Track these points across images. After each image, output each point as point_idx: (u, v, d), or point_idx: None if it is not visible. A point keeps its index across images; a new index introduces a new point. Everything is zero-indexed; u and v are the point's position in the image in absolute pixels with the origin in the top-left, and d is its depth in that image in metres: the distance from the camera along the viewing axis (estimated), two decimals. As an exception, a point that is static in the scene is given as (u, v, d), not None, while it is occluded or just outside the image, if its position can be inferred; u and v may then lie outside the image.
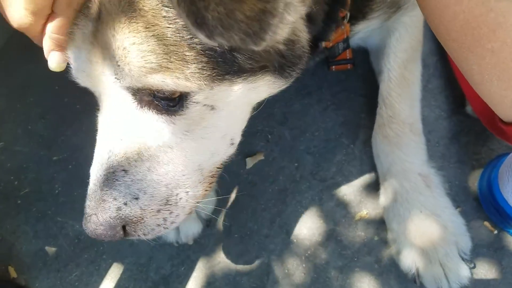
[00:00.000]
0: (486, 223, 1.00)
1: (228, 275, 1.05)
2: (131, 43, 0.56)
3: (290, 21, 0.54)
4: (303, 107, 1.21)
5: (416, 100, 1.08)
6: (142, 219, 0.68)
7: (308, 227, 1.07)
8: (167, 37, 0.56)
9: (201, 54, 0.57)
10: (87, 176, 0.70)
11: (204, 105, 0.64)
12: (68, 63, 0.65)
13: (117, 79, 0.60)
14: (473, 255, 0.96)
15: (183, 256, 1.08)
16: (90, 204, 0.68)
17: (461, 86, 1.10)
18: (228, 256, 1.07)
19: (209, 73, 0.59)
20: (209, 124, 0.67)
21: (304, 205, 1.09)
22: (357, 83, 1.22)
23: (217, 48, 0.57)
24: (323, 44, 0.90)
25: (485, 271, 0.96)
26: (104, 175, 0.67)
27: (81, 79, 0.67)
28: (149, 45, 0.56)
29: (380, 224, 1.04)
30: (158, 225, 0.71)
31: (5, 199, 1.23)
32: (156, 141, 0.66)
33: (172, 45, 0.56)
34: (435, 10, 0.62)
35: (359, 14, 0.97)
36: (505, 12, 0.55)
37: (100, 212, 0.66)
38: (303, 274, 1.02)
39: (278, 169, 1.14)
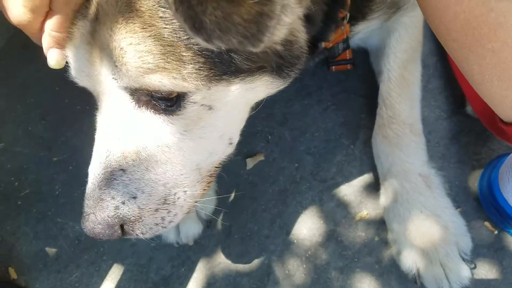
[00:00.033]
0: (487, 223, 1.00)
1: (228, 275, 1.05)
2: (128, 43, 0.56)
3: (287, 22, 0.54)
4: (303, 108, 1.21)
5: (416, 101, 1.08)
6: (140, 218, 0.69)
7: (308, 228, 1.07)
8: (164, 37, 0.56)
9: (198, 55, 0.58)
10: (87, 177, 0.70)
11: (202, 105, 0.64)
12: (67, 62, 0.65)
13: (115, 79, 0.60)
14: (474, 256, 0.96)
15: (184, 257, 1.08)
16: (88, 203, 0.68)
17: (461, 86, 1.11)
18: (228, 256, 1.07)
19: (206, 73, 0.59)
20: (207, 124, 0.67)
21: (304, 205, 1.09)
22: (357, 83, 1.22)
23: (214, 49, 0.57)
24: (323, 44, 0.90)
25: (486, 271, 0.96)
26: (102, 174, 0.67)
27: (80, 79, 0.67)
28: (146, 46, 0.56)
29: (380, 224, 1.04)
30: (156, 224, 0.71)
31: (5, 200, 1.23)
32: (154, 141, 0.67)
33: (169, 46, 0.56)
34: (436, 10, 0.62)
35: (358, 14, 0.97)
36: (505, 12, 0.55)
37: (98, 211, 0.67)
38: (304, 274, 1.02)
39: (278, 169, 1.14)
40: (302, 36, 0.66)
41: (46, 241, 1.16)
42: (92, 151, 0.70)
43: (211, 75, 0.60)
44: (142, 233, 0.70)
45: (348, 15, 0.90)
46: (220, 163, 0.79)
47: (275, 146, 1.17)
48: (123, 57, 0.57)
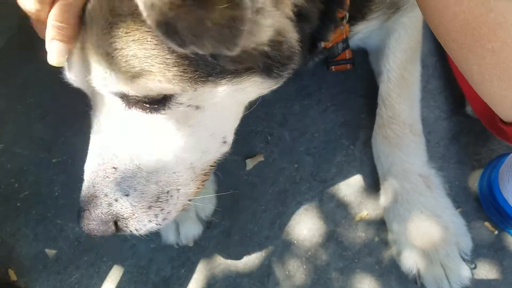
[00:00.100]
0: (487, 224, 1.00)
1: (228, 276, 1.05)
2: (113, 48, 0.57)
3: (267, 24, 0.56)
4: (303, 108, 1.21)
5: (416, 101, 1.08)
6: (133, 214, 0.70)
7: (308, 228, 1.06)
8: (147, 41, 0.56)
9: (182, 57, 0.58)
10: (85, 176, 0.71)
11: (189, 105, 0.64)
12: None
13: (104, 84, 0.61)
14: (474, 256, 0.95)
15: (184, 258, 1.08)
16: (83, 199, 0.70)
17: (461, 87, 1.10)
18: (228, 257, 1.07)
19: (191, 75, 0.59)
20: (196, 123, 0.68)
21: (304, 206, 1.09)
22: (356, 84, 1.22)
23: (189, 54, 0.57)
24: (322, 44, 0.90)
25: (486, 271, 0.96)
26: (95, 172, 0.69)
27: (73, 80, 0.67)
28: (130, 50, 0.56)
29: (380, 225, 1.04)
30: (150, 221, 0.72)
31: (5, 201, 1.23)
32: (144, 140, 0.68)
33: (153, 49, 0.57)
34: (435, 11, 0.62)
35: (358, 14, 0.97)
36: (505, 12, 0.55)
37: (92, 208, 0.69)
38: (304, 275, 1.02)
39: (278, 170, 1.14)
40: (292, 36, 0.65)
41: (46, 242, 1.16)
42: (90, 150, 0.71)
43: (196, 77, 0.60)
44: (136, 229, 0.72)
45: (347, 15, 0.90)
46: (215, 162, 0.79)
47: (275, 147, 1.17)
48: (110, 62, 0.58)
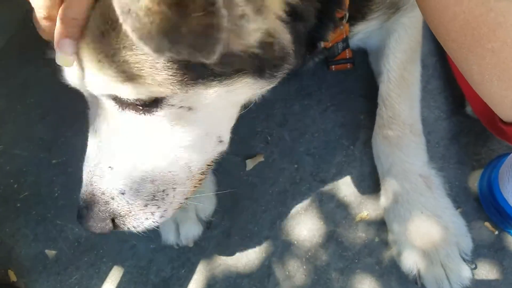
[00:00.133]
0: (487, 224, 1.00)
1: (228, 277, 1.04)
2: (104, 55, 0.58)
3: (253, 28, 0.56)
4: (303, 108, 1.21)
5: (416, 101, 1.08)
6: (130, 212, 0.72)
7: (308, 229, 1.06)
8: (137, 47, 0.57)
9: (170, 61, 0.58)
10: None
11: (181, 107, 0.65)
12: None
13: (96, 87, 0.63)
14: (474, 256, 0.95)
15: (184, 258, 1.08)
16: (82, 197, 0.73)
17: (461, 87, 1.10)
18: (228, 258, 1.06)
19: (180, 78, 0.60)
20: (189, 123, 0.69)
21: (304, 206, 1.09)
22: (356, 84, 1.22)
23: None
24: (322, 44, 0.90)
25: (486, 271, 0.96)
26: (92, 171, 0.71)
27: (70, 82, 0.68)
28: (121, 56, 0.57)
29: (380, 225, 1.04)
30: (147, 218, 0.74)
31: (4, 202, 1.23)
32: (138, 140, 0.69)
33: (142, 54, 0.57)
34: (435, 11, 0.62)
35: (358, 14, 0.97)
36: (505, 12, 0.55)
37: (90, 205, 0.71)
38: (304, 276, 1.02)
39: (278, 170, 1.14)
40: (284, 37, 0.64)
41: (46, 243, 1.16)
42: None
43: (186, 79, 0.60)
44: (133, 226, 0.74)
45: (347, 14, 0.90)
46: (212, 161, 0.80)
47: (275, 147, 1.17)
48: (101, 68, 0.59)
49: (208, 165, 0.80)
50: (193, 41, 0.49)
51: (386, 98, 1.06)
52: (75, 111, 1.28)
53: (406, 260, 0.95)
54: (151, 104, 0.64)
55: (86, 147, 0.74)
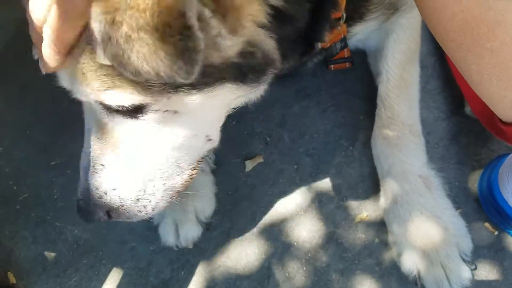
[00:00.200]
0: (487, 224, 1.00)
1: (228, 279, 1.04)
2: (88, 70, 0.60)
3: (230, 44, 0.57)
4: (302, 109, 1.21)
5: (415, 101, 1.08)
6: (123, 206, 0.77)
7: (308, 230, 1.06)
8: None
9: None
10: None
11: (165, 111, 0.67)
12: None
13: (82, 94, 0.66)
14: (474, 257, 0.95)
15: (183, 260, 1.08)
16: (79, 191, 0.78)
17: (460, 87, 1.10)
18: (228, 259, 1.06)
19: (160, 88, 0.61)
20: (175, 126, 0.71)
21: (303, 207, 1.09)
22: (355, 84, 1.22)
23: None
24: (319, 45, 0.90)
25: (487, 272, 0.95)
26: (87, 167, 0.76)
27: (64, 85, 0.69)
28: (103, 71, 0.59)
29: (380, 226, 1.04)
30: (140, 211, 0.79)
31: (4, 204, 1.23)
32: (128, 141, 0.72)
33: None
34: (433, 11, 0.61)
35: (355, 15, 0.97)
36: (503, 11, 0.55)
37: (85, 199, 0.77)
38: (304, 277, 1.02)
39: (278, 171, 1.14)
40: (267, 44, 0.64)
41: (45, 245, 1.15)
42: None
43: (166, 87, 0.61)
44: (127, 218, 0.79)
45: (344, 15, 0.90)
46: (202, 157, 0.83)
47: (274, 148, 1.17)
48: (86, 80, 0.61)
49: (199, 160, 0.82)
50: (172, 64, 0.50)
51: (385, 99, 1.06)
52: (74, 114, 1.28)
53: (406, 261, 0.95)
54: (135, 110, 0.65)
55: (84, 146, 0.76)
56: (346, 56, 1.09)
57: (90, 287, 1.09)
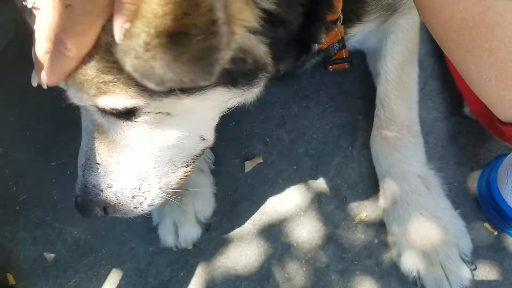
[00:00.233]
0: (486, 224, 1.00)
1: (228, 279, 1.04)
2: (84, 79, 0.61)
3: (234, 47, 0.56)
4: (301, 110, 1.21)
5: (414, 102, 1.08)
6: (119, 203, 0.79)
7: (307, 230, 1.06)
8: (113, 69, 0.59)
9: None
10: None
11: (158, 113, 0.67)
12: None
13: (76, 100, 0.67)
14: (474, 257, 0.95)
15: (183, 261, 1.08)
16: (77, 187, 0.81)
17: (459, 88, 1.11)
18: (227, 260, 1.06)
19: (152, 92, 0.61)
20: (169, 127, 0.72)
21: (303, 208, 1.09)
22: (354, 85, 1.22)
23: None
24: (316, 46, 0.90)
25: (486, 272, 0.96)
26: (84, 165, 0.78)
27: (61, 86, 0.70)
28: (99, 79, 0.60)
29: (380, 226, 1.04)
30: (136, 207, 0.81)
31: (3, 205, 1.23)
32: (122, 141, 0.73)
33: (117, 74, 0.59)
34: (432, 11, 0.62)
35: (353, 16, 0.97)
36: (502, 11, 0.55)
37: (82, 195, 0.80)
38: (304, 278, 1.02)
39: (277, 172, 1.14)
40: (258, 49, 0.63)
41: (45, 246, 1.15)
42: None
43: (157, 92, 0.61)
44: (124, 214, 0.81)
45: (341, 17, 0.90)
46: (196, 156, 0.83)
47: (274, 149, 1.17)
48: (81, 88, 0.63)
49: (193, 158, 0.83)
50: (194, 67, 0.50)
51: (384, 100, 1.06)
52: (73, 115, 1.28)
53: (406, 261, 0.95)
54: (128, 112, 0.66)
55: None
56: (344, 56, 1.09)
57: (89, 288, 1.09)
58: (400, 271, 0.97)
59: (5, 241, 1.18)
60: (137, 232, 1.12)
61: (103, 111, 0.68)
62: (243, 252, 1.06)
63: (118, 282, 1.08)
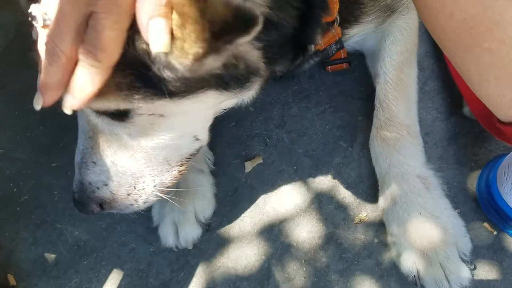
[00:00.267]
0: (486, 224, 1.00)
1: (228, 280, 1.04)
2: None
3: (213, 59, 0.55)
4: (301, 111, 1.21)
5: (413, 102, 1.08)
6: (115, 200, 0.81)
7: (307, 231, 1.06)
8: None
9: (134, 81, 0.60)
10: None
11: (151, 114, 0.68)
12: None
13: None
14: (473, 257, 0.96)
15: (183, 261, 1.08)
16: (74, 184, 0.83)
17: (458, 88, 1.11)
18: (228, 260, 1.06)
19: (143, 95, 0.62)
20: (162, 128, 0.72)
21: (303, 208, 1.09)
22: (354, 86, 1.22)
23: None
24: (313, 47, 0.90)
25: (486, 272, 0.96)
26: (80, 163, 0.80)
27: None
28: None
29: (379, 226, 1.04)
30: (131, 204, 0.83)
31: (4, 206, 1.23)
32: (116, 141, 0.74)
33: (111, 78, 0.58)
34: (432, 10, 0.62)
35: (350, 17, 0.97)
36: (502, 10, 0.56)
37: (79, 192, 0.82)
38: (304, 278, 1.02)
39: (277, 172, 1.14)
40: (252, 54, 0.63)
41: (45, 246, 1.15)
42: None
43: (149, 94, 0.62)
44: (120, 210, 0.83)
45: (338, 18, 0.91)
46: (191, 155, 0.85)
47: (274, 149, 1.17)
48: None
49: (187, 158, 0.84)
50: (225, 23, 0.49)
51: (383, 100, 1.07)
52: (74, 117, 1.28)
53: (406, 261, 0.95)
54: (122, 113, 0.67)
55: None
56: (343, 57, 1.09)
57: (90, 288, 1.09)
58: (399, 271, 0.97)
59: (6, 241, 1.18)
60: (138, 232, 1.12)
61: (97, 112, 0.69)
62: (243, 252, 1.07)
63: (118, 282, 1.08)
